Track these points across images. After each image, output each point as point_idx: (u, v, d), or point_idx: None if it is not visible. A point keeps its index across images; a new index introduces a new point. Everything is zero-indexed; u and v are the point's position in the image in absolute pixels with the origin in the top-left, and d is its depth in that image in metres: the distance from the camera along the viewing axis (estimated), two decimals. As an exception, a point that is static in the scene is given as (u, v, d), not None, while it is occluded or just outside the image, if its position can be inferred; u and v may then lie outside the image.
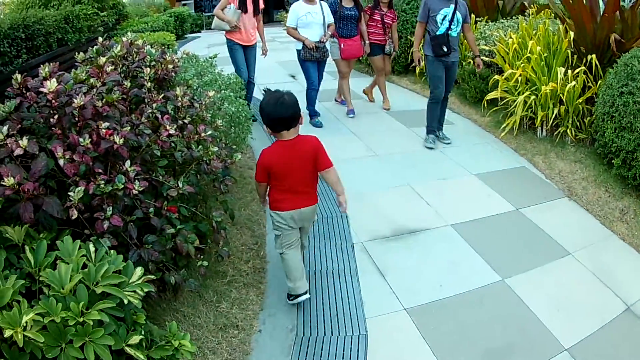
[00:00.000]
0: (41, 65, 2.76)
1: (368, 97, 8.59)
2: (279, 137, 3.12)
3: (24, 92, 2.64)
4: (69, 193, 2.33)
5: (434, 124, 6.61)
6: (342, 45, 7.44)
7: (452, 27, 6.26)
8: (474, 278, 3.77)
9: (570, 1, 6.92)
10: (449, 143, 6.52)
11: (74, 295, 1.94)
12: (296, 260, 3.30)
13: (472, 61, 7.50)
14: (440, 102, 6.59)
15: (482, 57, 7.06)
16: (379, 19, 7.80)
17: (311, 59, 7.03)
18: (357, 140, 6.69)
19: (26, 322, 1.75)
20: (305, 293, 3.32)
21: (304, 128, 6.71)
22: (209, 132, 3.20)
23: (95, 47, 3.48)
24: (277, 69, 11.27)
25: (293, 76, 10.48)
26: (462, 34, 6.68)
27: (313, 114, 7.45)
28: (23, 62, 4.21)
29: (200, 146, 3.13)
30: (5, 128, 2.31)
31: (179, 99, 3.24)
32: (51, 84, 2.49)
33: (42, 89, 2.51)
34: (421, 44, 6.66)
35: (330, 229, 4.40)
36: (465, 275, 3.79)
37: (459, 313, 3.41)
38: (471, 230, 4.43)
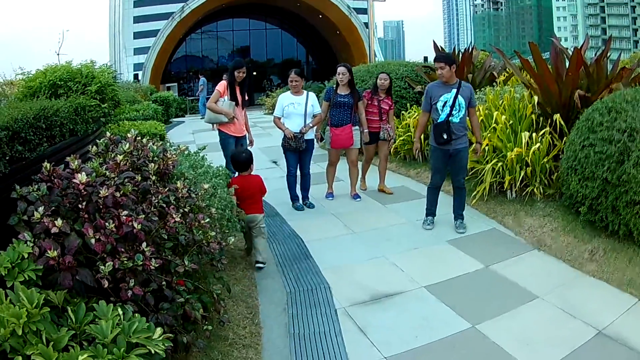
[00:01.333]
0: (69, 158, 3.61)
1: (386, 191, 8.83)
2: (240, 173, 6.21)
3: (52, 178, 3.45)
4: (100, 267, 3.07)
5: (432, 207, 7.08)
6: (331, 135, 8.11)
7: (453, 112, 6.57)
8: (446, 328, 4.47)
9: (535, 69, 7.94)
10: (463, 232, 6.75)
11: (114, 344, 2.73)
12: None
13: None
14: (439, 189, 7.04)
15: None
16: (377, 104, 8.39)
17: (289, 149, 7.81)
18: (336, 220, 7.51)
19: (81, 360, 2.51)
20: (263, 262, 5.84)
21: (288, 209, 7.59)
22: (207, 220, 4.07)
23: (103, 140, 4.41)
24: (259, 155, 11.95)
25: (275, 162, 11.43)
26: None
27: (293, 198, 8.17)
28: (44, 150, 4.76)
29: (200, 231, 3.97)
30: (41, 208, 3.11)
31: (180, 191, 4.11)
32: (82, 177, 3.32)
33: (74, 180, 3.33)
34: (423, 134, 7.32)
35: (315, 299, 5.12)
36: (438, 327, 4.50)
37: (433, 357, 4.12)
38: (443, 289, 5.16)
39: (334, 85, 8.30)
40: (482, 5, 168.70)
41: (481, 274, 5.52)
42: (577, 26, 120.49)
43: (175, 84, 42.97)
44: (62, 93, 7.12)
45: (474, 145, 6.94)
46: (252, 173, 6.25)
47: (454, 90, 6.58)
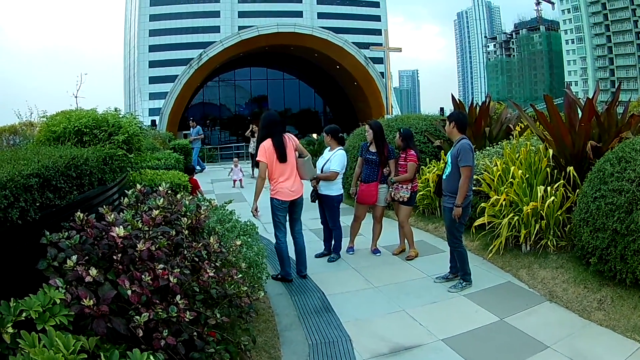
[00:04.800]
0: (102, 209, 3.94)
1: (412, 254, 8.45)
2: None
3: (85, 228, 3.71)
4: (135, 317, 3.26)
5: (450, 261, 7.28)
6: (358, 189, 8.49)
7: (445, 169, 7.00)
8: (462, 377, 4.72)
9: (549, 120, 8.21)
10: (452, 292, 6.79)
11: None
12: None
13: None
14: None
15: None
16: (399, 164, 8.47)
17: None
18: (356, 274, 7.73)
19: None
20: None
21: (310, 262, 7.78)
22: (240, 275, 4.33)
23: (133, 192, 4.68)
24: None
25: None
26: None
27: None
28: (74, 198, 4.88)
29: (232, 285, 4.22)
30: (74, 257, 3.34)
31: (212, 245, 4.37)
32: (120, 230, 3.59)
33: (111, 233, 3.60)
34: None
35: (336, 350, 5.33)
36: (454, 377, 4.75)
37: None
38: (459, 342, 5.37)
39: (368, 142, 8.57)
40: (495, 52, 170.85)
41: (496, 326, 5.73)
42: (586, 69, 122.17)
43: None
44: (88, 140, 7.24)
45: (455, 207, 6.74)
46: None
47: (452, 148, 6.92)
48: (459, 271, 7.01)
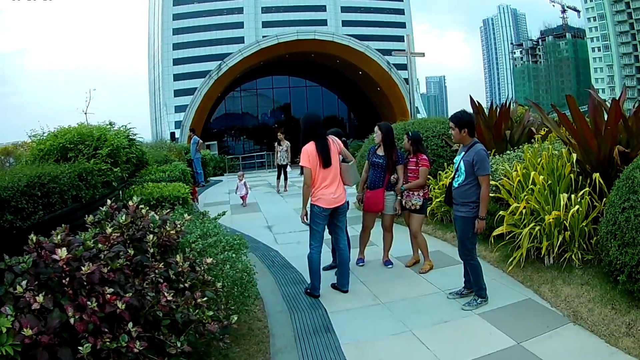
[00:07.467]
0: (57, 230, 3.51)
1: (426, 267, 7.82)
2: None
3: (40, 250, 3.32)
4: (79, 347, 2.94)
5: (464, 274, 6.66)
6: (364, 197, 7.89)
7: (455, 177, 6.38)
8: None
9: (574, 125, 7.59)
10: (465, 309, 6.22)
11: None
12: None
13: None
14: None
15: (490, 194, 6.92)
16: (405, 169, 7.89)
17: None
18: (364, 288, 7.13)
19: None
20: None
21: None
22: (205, 298, 3.80)
23: (104, 208, 4.27)
24: (293, 216, 11.93)
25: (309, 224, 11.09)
26: None
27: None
28: (39, 218, 4.68)
29: (197, 310, 3.70)
30: (24, 282, 3.01)
31: (180, 265, 3.89)
32: (62, 252, 3.20)
33: (54, 256, 3.20)
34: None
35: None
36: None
37: None
38: (468, 370, 4.80)
39: (376, 145, 7.98)
40: (522, 59, 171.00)
41: (511, 351, 5.08)
42: (613, 77, 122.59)
43: (215, 142, 43.13)
44: (72, 156, 7.07)
45: (477, 220, 6.16)
46: None
47: (463, 153, 6.33)
48: (473, 286, 6.39)
